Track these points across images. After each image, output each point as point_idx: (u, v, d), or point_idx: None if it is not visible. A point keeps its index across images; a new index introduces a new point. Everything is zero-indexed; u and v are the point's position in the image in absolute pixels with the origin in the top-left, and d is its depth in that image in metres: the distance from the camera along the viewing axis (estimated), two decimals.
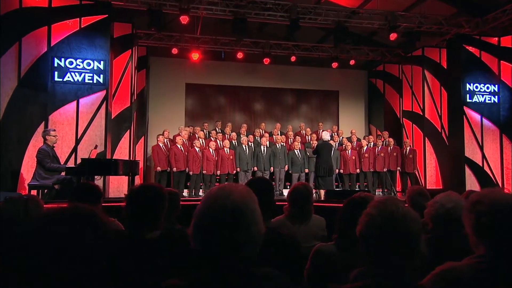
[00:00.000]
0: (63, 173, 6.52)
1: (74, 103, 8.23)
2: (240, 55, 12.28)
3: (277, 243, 2.08)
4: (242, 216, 1.21)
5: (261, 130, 11.92)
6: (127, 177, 9.11)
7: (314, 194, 9.10)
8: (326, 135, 8.57)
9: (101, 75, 8.42)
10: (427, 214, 2.28)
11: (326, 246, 2.25)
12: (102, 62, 8.43)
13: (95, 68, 8.38)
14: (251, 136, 11.09)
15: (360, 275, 1.42)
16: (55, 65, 8.06)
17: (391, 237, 1.31)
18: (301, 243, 3.00)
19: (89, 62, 8.33)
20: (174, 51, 11.80)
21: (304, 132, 12.28)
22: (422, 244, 1.35)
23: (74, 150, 8.18)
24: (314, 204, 3.33)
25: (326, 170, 8.16)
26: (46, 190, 6.65)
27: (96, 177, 7.24)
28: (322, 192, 8.13)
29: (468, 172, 10.23)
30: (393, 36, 10.26)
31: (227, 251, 1.20)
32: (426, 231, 2.28)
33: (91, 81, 8.34)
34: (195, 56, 11.83)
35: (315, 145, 9.15)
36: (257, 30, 12.95)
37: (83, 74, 8.28)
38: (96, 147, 7.51)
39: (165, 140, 10.54)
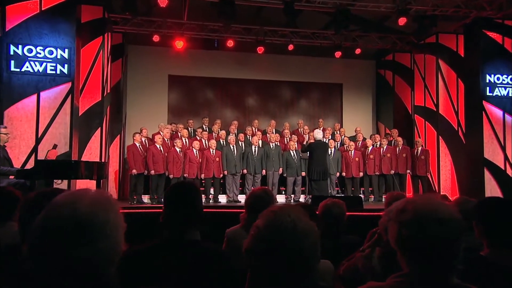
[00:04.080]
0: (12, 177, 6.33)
1: (34, 96, 8.06)
2: (230, 43, 12.10)
3: (199, 258, 1.97)
4: (89, 229, 1.14)
5: (253, 128, 11.74)
6: (103, 181, 9.04)
7: (310, 201, 8.89)
8: (318, 134, 8.40)
9: (66, 65, 8.27)
10: (381, 224, 2.09)
11: None
12: (66, 50, 8.28)
13: (59, 57, 8.23)
14: (241, 135, 10.89)
15: None
16: (11, 53, 7.90)
17: (278, 252, 1.25)
18: None
19: (51, 50, 8.17)
20: (156, 38, 11.61)
21: (302, 130, 12.07)
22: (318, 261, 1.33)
23: (34, 150, 8.02)
24: None
25: (320, 173, 7.96)
26: None
27: (56, 181, 7.08)
28: None
29: (487, 176, 10.00)
30: (402, 21, 10.07)
31: (66, 272, 1.12)
32: (380, 244, 2.10)
33: (53, 72, 8.19)
34: (179, 44, 11.65)
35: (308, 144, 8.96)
36: (253, 15, 12.74)
37: (44, 64, 8.12)
38: (55, 146, 7.33)
39: (143, 139, 10.36)
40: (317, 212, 3.15)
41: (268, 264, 1.28)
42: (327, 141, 10.56)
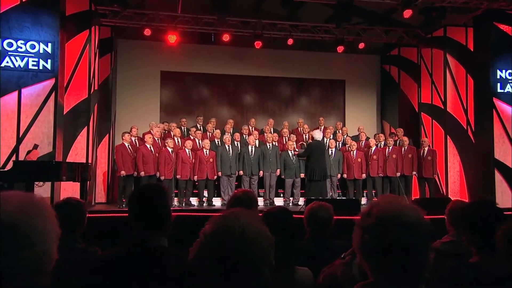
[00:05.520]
0: None
1: (15, 93, 7.98)
2: (226, 37, 12.02)
3: (164, 265, 1.93)
4: (11, 237, 1.11)
5: (250, 127, 11.68)
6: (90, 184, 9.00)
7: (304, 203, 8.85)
8: (318, 134, 8.38)
9: (49, 60, 8.20)
10: None
11: None
12: (49, 45, 8.21)
13: (41, 51, 8.15)
14: (237, 134, 10.84)
15: None
16: None
17: (225, 260, 1.24)
18: None
19: (33, 44, 8.10)
20: (147, 32, 11.53)
21: (301, 129, 12.01)
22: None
23: (15, 150, 7.93)
24: None
25: (321, 173, 7.91)
26: None
27: (37, 183, 7.04)
28: None
29: (498, 177, 9.92)
30: (407, 13, 10.07)
31: None
32: None
33: (36, 67, 8.11)
34: (172, 38, 11.59)
35: (305, 144, 8.94)
36: (251, 8, 12.70)
37: (26, 59, 8.04)
38: (35, 147, 7.26)
39: (133, 139, 10.30)
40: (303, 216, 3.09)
41: (215, 273, 1.25)
42: (327, 141, 10.54)
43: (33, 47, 8.11)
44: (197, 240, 1.32)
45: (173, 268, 1.94)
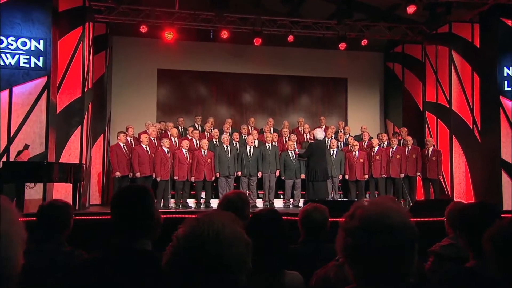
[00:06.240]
0: None
1: (6, 92, 7.93)
2: (225, 34, 11.98)
3: (146, 269, 1.90)
4: None
5: (249, 127, 11.65)
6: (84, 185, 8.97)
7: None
8: (320, 133, 8.37)
9: (41, 58, 8.17)
10: None
11: None
12: (41, 42, 8.17)
13: (33, 48, 8.12)
14: (235, 134, 10.81)
15: None
16: None
17: (198, 264, 1.22)
18: None
19: (24, 41, 8.07)
20: (143, 29, 11.49)
21: (302, 129, 11.97)
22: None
23: (6, 151, 7.88)
24: None
25: (319, 173, 7.88)
26: None
27: (28, 185, 7.02)
28: None
29: (505, 178, 9.83)
30: (411, 9, 10.05)
31: None
32: None
33: (27, 65, 8.08)
34: (169, 35, 11.58)
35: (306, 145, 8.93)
36: (251, 4, 12.68)
37: (17, 56, 8.00)
38: (26, 147, 7.23)
39: (129, 139, 10.29)
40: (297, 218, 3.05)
41: (189, 278, 1.23)
42: (329, 141, 10.51)
43: (24, 44, 8.07)
44: (170, 244, 1.28)
45: (152, 272, 1.88)
